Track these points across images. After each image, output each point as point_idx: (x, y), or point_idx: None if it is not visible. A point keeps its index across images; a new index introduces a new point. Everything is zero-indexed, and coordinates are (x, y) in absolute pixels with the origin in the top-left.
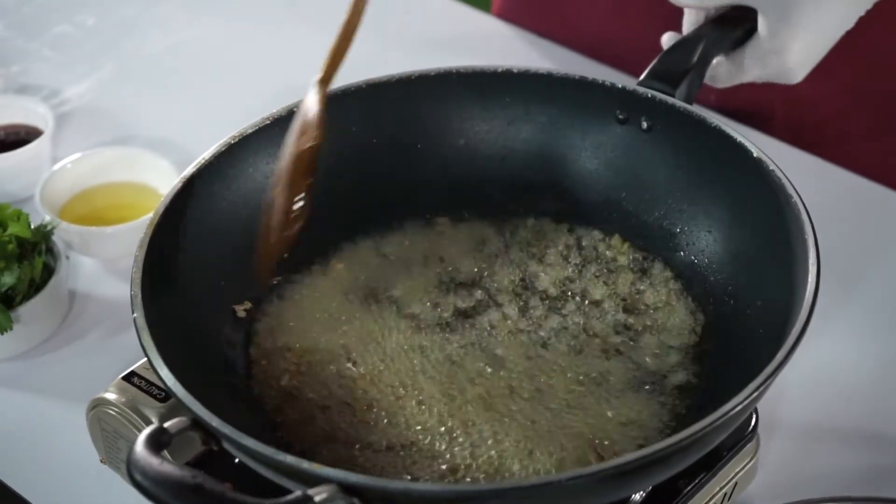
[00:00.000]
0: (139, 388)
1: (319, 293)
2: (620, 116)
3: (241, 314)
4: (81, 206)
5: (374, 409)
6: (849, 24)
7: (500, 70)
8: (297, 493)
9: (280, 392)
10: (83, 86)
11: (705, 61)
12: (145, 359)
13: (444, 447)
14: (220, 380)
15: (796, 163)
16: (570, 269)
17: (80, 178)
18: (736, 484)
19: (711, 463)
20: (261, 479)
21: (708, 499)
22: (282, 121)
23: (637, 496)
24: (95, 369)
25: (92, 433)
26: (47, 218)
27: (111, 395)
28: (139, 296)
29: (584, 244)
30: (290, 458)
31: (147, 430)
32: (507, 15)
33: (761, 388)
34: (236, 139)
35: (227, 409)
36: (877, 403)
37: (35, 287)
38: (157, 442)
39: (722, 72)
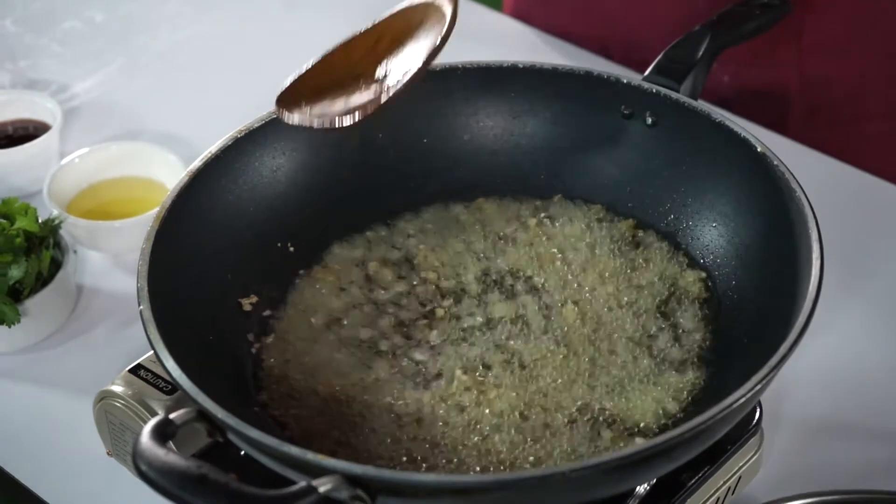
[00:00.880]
0: (146, 380)
1: (325, 288)
2: (625, 111)
3: (248, 307)
4: (89, 200)
5: (380, 401)
6: None
7: (505, 65)
8: (302, 483)
9: (285, 384)
10: (91, 81)
11: (710, 56)
12: (151, 351)
13: (452, 440)
14: (226, 372)
15: (800, 158)
16: (573, 266)
17: (88, 173)
18: (740, 478)
19: (715, 456)
20: (265, 470)
21: (712, 492)
22: None
23: (641, 489)
24: (102, 362)
25: (99, 426)
26: (55, 212)
27: (118, 388)
28: (145, 289)
29: (587, 238)
30: (294, 450)
31: (153, 422)
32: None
33: (764, 381)
34: (243, 133)
35: (232, 400)
36: (881, 397)
37: (43, 281)
38: (163, 433)
39: None
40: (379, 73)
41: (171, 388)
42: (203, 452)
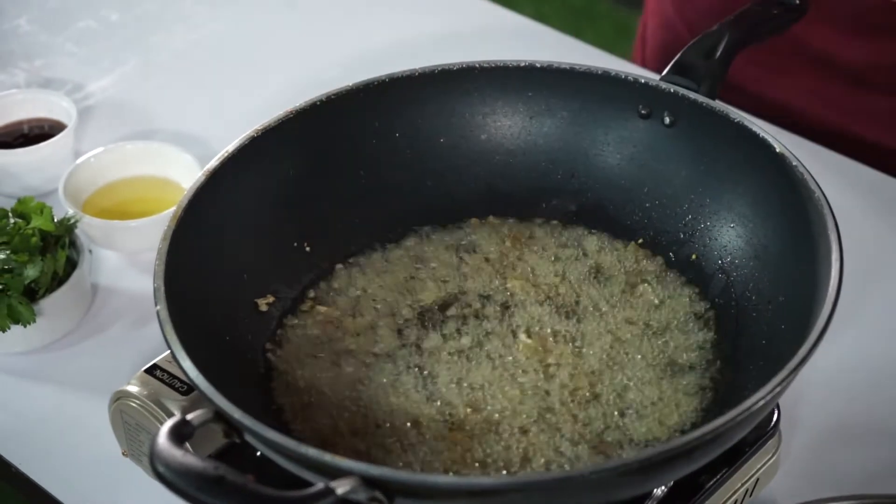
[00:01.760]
0: (161, 380)
1: (341, 289)
2: (643, 111)
3: (264, 308)
4: (104, 199)
5: (396, 406)
6: None
7: (522, 64)
8: (320, 485)
9: (300, 386)
10: (106, 80)
11: (728, 56)
12: (167, 352)
13: (469, 442)
14: (243, 372)
15: (819, 158)
16: (587, 270)
17: (103, 172)
18: (758, 480)
19: (733, 459)
20: (282, 471)
21: (729, 495)
22: (304, 114)
23: (658, 491)
24: (118, 362)
25: (114, 426)
26: (70, 211)
27: (133, 388)
28: (162, 288)
29: (603, 246)
30: (312, 451)
31: (170, 422)
32: None
33: (784, 384)
34: (259, 133)
35: (248, 401)
36: None
37: (58, 280)
38: (180, 434)
39: None
40: None
41: (186, 388)
42: (219, 453)
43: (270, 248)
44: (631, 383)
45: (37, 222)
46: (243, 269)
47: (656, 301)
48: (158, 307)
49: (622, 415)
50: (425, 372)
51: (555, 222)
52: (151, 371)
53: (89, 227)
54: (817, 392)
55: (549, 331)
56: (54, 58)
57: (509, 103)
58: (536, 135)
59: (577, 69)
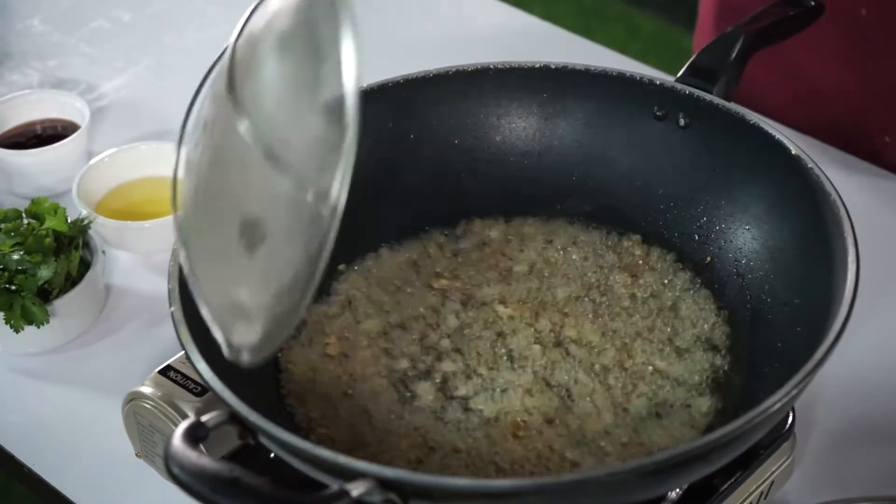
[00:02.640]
0: (175, 382)
1: (352, 289)
2: (658, 113)
3: None
4: (118, 200)
5: (410, 408)
6: None
7: (537, 66)
8: (335, 487)
9: (313, 385)
10: (119, 80)
11: (744, 57)
12: (181, 353)
13: (486, 442)
14: (257, 374)
15: (834, 160)
16: (602, 271)
17: (117, 173)
18: (772, 482)
19: (748, 461)
20: (297, 473)
21: (744, 497)
22: None
23: (673, 494)
24: (131, 363)
25: (127, 427)
26: (84, 212)
27: (147, 389)
28: (177, 290)
29: (618, 248)
30: (327, 453)
31: (184, 424)
32: None
33: (800, 386)
34: None
35: (263, 403)
36: None
37: (72, 281)
38: (194, 436)
39: None
40: None
41: (200, 389)
42: (233, 454)
43: None
44: (643, 384)
45: (50, 223)
46: None
47: (669, 303)
48: (173, 308)
49: (636, 417)
50: (437, 378)
51: (569, 223)
52: (165, 372)
53: (103, 228)
54: (833, 394)
55: (562, 334)
56: (67, 58)
57: (524, 104)
58: (551, 136)
59: (592, 70)
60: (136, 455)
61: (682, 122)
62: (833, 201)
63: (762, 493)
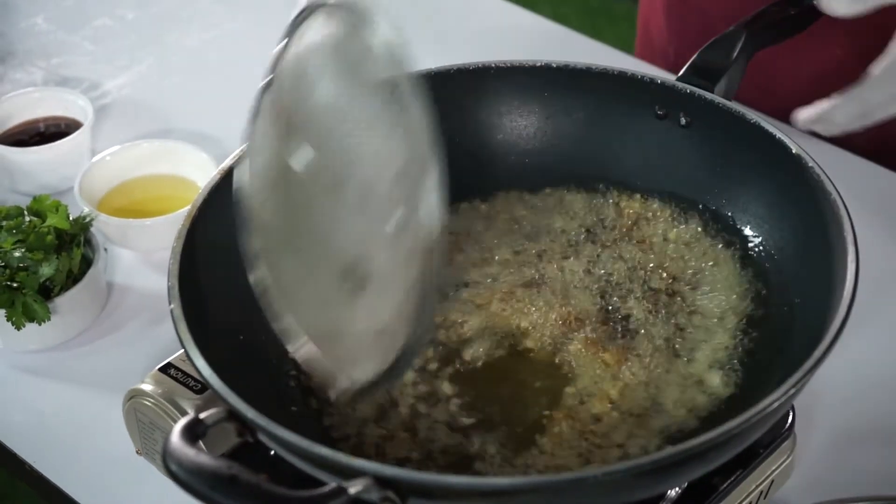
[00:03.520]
0: (175, 379)
1: None
2: (659, 112)
3: None
4: (120, 198)
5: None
6: None
7: (538, 64)
8: (333, 485)
9: (313, 385)
10: (123, 79)
11: (745, 57)
12: (182, 350)
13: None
14: (256, 371)
15: (836, 160)
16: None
17: (119, 171)
18: (772, 482)
19: (748, 460)
20: (295, 470)
21: (744, 496)
22: None
23: (672, 493)
24: (132, 361)
25: (128, 424)
26: (86, 210)
27: (147, 387)
28: (176, 287)
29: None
30: (325, 451)
31: (183, 421)
32: None
33: (799, 386)
34: None
35: (262, 400)
36: None
37: (73, 278)
38: (193, 433)
39: (839, 116)
40: None
41: (200, 387)
42: (232, 452)
43: None
44: (647, 383)
45: (52, 220)
46: None
47: None
48: (172, 305)
49: (639, 416)
50: (440, 379)
51: (571, 221)
52: (165, 369)
53: (105, 226)
54: (833, 393)
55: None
56: (71, 56)
57: (525, 103)
58: (552, 135)
59: (593, 69)
60: (137, 452)
61: (682, 121)
62: (833, 200)
63: (762, 492)
